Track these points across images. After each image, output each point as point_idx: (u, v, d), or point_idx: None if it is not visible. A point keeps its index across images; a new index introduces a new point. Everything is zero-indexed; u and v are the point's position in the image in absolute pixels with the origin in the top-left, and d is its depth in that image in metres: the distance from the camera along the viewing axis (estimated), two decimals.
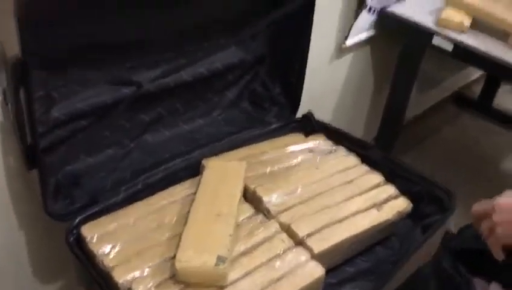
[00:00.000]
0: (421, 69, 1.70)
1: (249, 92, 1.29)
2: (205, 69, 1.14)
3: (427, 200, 1.04)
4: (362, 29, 1.60)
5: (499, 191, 0.83)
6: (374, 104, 1.95)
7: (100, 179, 1.01)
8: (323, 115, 1.71)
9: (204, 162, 1.03)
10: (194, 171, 1.04)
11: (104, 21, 0.90)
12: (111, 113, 0.98)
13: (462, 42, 1.46)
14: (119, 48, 0.95)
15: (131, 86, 0.97)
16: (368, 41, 1.68)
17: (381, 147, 1.96)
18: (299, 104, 1.29)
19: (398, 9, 1.60)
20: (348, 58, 1.67)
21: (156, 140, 1.13)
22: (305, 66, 1.24)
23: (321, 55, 1.54)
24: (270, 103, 1.30)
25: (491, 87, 2.45)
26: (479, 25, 1.51)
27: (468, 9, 1.52)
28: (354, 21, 1.54)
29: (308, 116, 1.26)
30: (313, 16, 1.17)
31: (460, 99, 2.56)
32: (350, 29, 1.55)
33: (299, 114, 1.29)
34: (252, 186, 0.96)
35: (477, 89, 2.54)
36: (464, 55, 1.47)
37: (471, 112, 2.49)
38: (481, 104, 2.52)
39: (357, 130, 1.99)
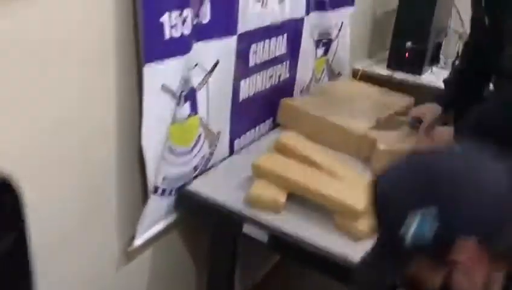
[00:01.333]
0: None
1: None
2: None
3: None
4: (157, 217, 1.23)
5: None
6: None
7: None
8: None
9: None
10: None
11: None
12: None
13: (277, 229, 1.14)
14: None
15: None
16: (171, 228, 1.31)
17: None
18: None
19: (198, 187, 1.27)
20: (144, 258, 1.26)
21: None
22: None
23: (98, 272, 1.12)
24: None
25: None
26: (299, 199, 1.21)
27: (281, 183, 1.22)
28: (143, 211, 1.16)
29: None
30: (31, 254, 0.76)
31: None
32: (138, 223, 1.16)
33: None
34: None
35: None
36: (282, 245, 1.15)
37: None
38: None
39: None
